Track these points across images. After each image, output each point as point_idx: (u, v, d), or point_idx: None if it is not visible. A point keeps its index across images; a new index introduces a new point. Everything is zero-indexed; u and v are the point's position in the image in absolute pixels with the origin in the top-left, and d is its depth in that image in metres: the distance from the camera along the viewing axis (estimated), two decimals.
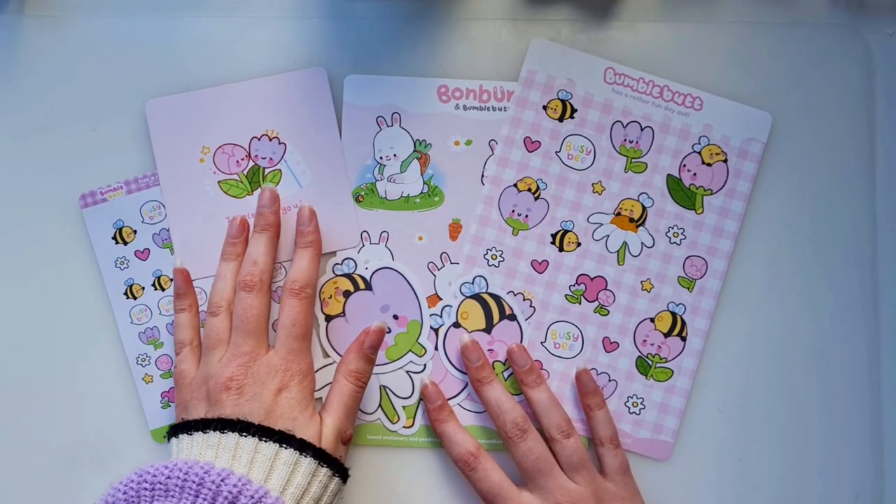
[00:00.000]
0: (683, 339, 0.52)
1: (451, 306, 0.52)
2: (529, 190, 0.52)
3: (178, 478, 0.41)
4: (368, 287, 0.52)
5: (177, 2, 0.53)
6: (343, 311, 0.52)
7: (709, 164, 0.52)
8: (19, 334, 0.52)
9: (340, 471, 0.46)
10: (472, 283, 0.52)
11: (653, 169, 0.52)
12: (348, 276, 0.52)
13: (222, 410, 0.45)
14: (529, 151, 0.52)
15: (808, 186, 0.53)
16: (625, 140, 0.52)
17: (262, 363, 0.46)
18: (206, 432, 0.44)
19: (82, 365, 0.52)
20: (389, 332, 0.52)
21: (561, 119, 0.53)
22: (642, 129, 0.52)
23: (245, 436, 0.44)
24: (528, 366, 0.50)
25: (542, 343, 0.52)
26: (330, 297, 0.52)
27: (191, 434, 0.45)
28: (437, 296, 0.52)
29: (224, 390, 0.45)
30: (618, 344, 0.52)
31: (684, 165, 0.52)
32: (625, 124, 0.52)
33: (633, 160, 0.53)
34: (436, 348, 0.52)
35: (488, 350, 0.52)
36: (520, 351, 0.50)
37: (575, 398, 0.51)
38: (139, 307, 0.52)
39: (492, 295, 0.52)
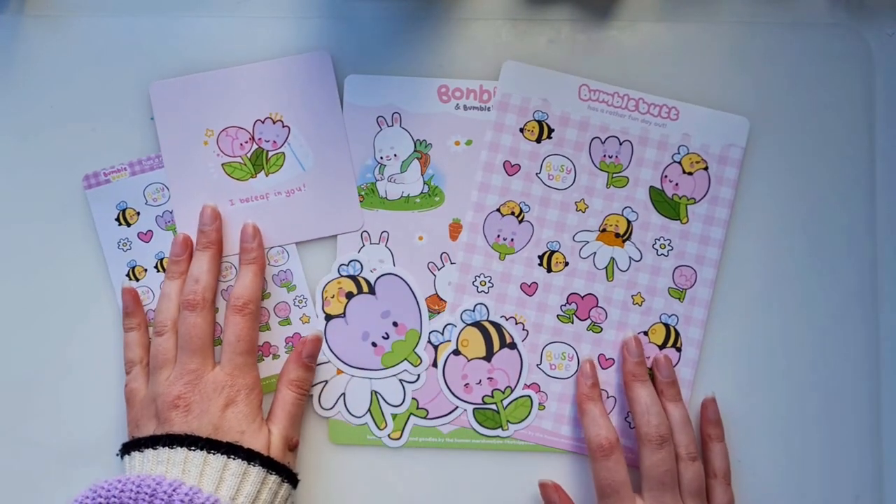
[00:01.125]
0: (678, 349, 0.52)
1: (452, 325, 0.52)
2: (513, 213, 0.52)
3: (132, 490, 0.42)
4: (372, 291, 0.53)
5: (177, 2, 0.53)
6: (344, 312, 0.53)
7: (690, 174, 0.52)
8: (22, 315, 0.52)
9: (290, 477, 0.48)
10: (473, 311, 0.52)
11: (634, 182, 0.52)
12: (353, 277, 0.53)
13: (171, 428, 0.46)
14: (510, 175, 0.52)
15: (807, 188, 0.53)
16: (604, 156, 0.52)
17: (208, 380, 0.48)
18: (155, 448, 0.46)
19: (84, 346, 0.52)
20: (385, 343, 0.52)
21: (539, 140, 0.52)
22: (621, 144, 0.52)
23: (193, 450, 0.45)
24: (670, 379, 0.51)
25: (537, 365, 0.52)
26: (332, 297, 0.52)
27: (142, 451, 0.46)
28: (438, 296, 0.52)
29: (172, 408, 0.47)
30: (613, 360, 0.52)
31: (665, 176, 0.52)
32: (603, 140, 0.52)
33: (615, 175, 0.52)
34: (433, 364, 0.52)
35: (488, 378, 0.52)
36: (666, 363, 0.51)
37: (574, 418, 0.52)
38: (142, 289, 0.52)
39: (493, 323, 0.52)
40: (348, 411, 0.52)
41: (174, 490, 0.42)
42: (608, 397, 0.52)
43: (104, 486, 0.43)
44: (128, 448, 0.47)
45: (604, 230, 0.52)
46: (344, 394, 0.52)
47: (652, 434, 0.48)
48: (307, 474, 0.51)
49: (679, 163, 0.52)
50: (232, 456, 0.45)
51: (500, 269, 0.52)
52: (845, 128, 0.53)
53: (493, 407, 0.52)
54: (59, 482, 0.52)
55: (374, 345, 0.52)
